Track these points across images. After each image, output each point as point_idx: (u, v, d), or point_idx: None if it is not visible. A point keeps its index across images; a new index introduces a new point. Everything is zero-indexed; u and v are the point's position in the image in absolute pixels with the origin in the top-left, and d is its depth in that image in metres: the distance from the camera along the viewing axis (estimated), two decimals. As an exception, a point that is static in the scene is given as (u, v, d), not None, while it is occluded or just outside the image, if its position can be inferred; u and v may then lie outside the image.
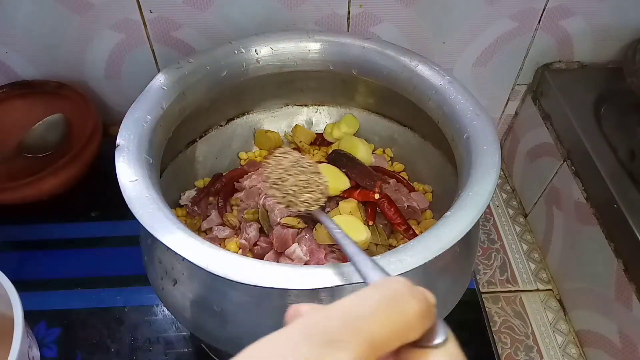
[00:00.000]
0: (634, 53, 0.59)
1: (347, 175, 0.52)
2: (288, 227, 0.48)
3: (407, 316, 0.17)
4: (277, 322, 0.17)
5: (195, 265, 0.32)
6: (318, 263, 0.46)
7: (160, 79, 0.45)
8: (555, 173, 0.61)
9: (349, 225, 0.48)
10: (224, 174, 0.56)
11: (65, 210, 0.62)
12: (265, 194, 0.50)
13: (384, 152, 0.59)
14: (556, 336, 0.57)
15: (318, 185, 0.42)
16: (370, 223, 0.49)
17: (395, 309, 0.17)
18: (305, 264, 0.45)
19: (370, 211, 0.50)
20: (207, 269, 0.32)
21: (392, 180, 0.55)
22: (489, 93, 0.69)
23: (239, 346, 0.16)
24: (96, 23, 0.59)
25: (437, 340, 0.18)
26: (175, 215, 0.36)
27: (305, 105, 0.60)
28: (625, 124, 0.57)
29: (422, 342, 0.18)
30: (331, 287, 0.31)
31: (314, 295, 0.35)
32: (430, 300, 0.18)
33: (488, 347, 0.53)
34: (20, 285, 0.45)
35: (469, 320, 0.54)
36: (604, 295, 0.52)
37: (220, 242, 0.50)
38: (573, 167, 0.58)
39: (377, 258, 0.33)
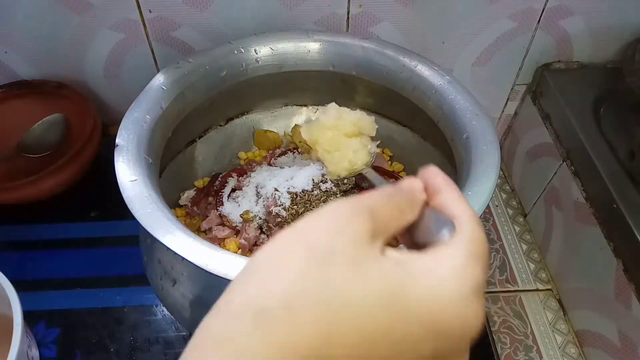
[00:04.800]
0: (633, 53, 0.59)
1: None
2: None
3: (396, 201, 0.21)
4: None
5: (195, 265, 0.32)
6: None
7: (159, 79, 0.45)
8: (555, 173, 0.61)
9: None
10: (223, 174, 0.56)
11: (65, 210, 0.62)
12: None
13: (383, 152, 0.59)
14: (555, 336, 0.57)
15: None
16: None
17: (387, 198, 0.21)
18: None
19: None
20: (207, 269, 0.32)
21: (391, 180, 0.55)
22: (489, 93, 0.69)
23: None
24: (96, 23, 0.59)
25: (442, 231, 0.20)
26: (175, 215, 0.36)
27: (305, 105, 0.60)
28: (625, 124, 0.57)
29: (428, 237, 0.21)
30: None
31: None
32: (413, 189, 0.22)
33: (487, 347, 0.53)
34: (20, 285, 0.45)
35: (468, 320, 0.54)
36: (604, 295, 0.52)
37: (220, 242, 0.50)
38: (572, 167, 0.58)
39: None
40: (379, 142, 0.58)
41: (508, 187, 0.72)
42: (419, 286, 0.18)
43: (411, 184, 0.22)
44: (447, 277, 0.18)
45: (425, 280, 0.18)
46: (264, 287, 0.17)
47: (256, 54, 0.50)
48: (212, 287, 0.38)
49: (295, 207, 0.48)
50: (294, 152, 0.57)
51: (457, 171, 0.43)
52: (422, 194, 0.22)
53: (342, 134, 0.44)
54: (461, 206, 0.21)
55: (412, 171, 0.57)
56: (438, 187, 0.22)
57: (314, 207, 0.48)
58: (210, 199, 0.53)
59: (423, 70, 0.48)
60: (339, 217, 0.19)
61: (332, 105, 0.46)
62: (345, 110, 0.45)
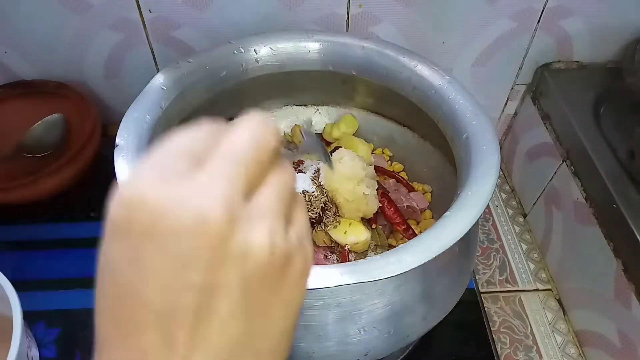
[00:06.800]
0: (633, 53, 0.59)
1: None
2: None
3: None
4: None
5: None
6: (317, 264, 0.46)
7: (159, 79, 0.45)
8: (555, 173, 0.61)
9: (349, 226, 0.48)
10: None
11: (65, 210, 0.62)
12: None
13: (383, 152, 0.59)
14: (555, 336, 0.57)
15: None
16: (373, 226, 0.49)
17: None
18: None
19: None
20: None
21: (391, 180, 0.55)
22: (489, 93, 0.69)
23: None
24: (96, 23, 0.59)
25: None
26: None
27: (305, 105, 0.60)
28: (625, 124, 0.57)
29: None
30: (331, 287, 0.31)
31: (314, 295, 0.35)
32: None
33: (487, 347, 0.53)
34: (19, 285, 0.45)
35: (468, 320, 0.54)
36: (603, 295, 0.52)
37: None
38: (572, 167, 0.58)
39: (376, 258, 0.33)
40: (378, 148, 0.58)
41: (508, 187, 0.73)
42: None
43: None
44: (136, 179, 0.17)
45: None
46: None
47: (256, 54, 0.50)
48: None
49: None
50: (294, 152, 0.57)
51: (457, 171, 0.43)
52: None
53: (357, 182, 0.48)
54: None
55: (412, 171, 0.57)
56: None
57: (314, 208, 0.48)
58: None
59: (423, 70, 0.48)
60: None
61: (345, 153, 0.49)
62: (354, 155, 0.49)
